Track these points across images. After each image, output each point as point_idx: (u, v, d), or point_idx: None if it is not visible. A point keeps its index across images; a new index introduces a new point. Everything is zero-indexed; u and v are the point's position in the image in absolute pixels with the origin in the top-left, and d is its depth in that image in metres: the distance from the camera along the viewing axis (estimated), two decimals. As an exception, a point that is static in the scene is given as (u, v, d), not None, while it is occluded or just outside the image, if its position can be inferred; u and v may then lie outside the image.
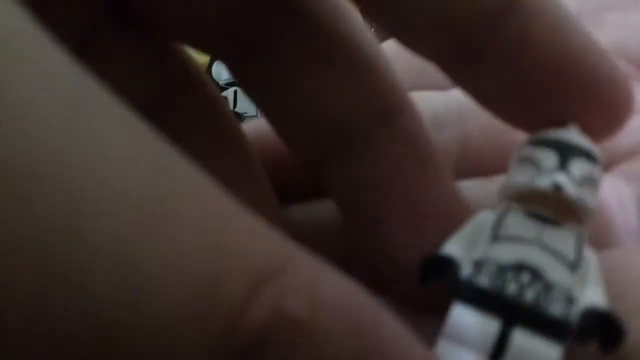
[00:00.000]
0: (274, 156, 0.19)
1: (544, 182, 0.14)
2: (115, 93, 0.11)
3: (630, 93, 0.16)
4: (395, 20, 0.16)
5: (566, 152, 0.15)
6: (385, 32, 0.16)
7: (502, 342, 0.13)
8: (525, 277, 0.13)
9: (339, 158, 0.17)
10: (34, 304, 0.09)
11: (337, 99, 0.17)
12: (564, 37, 0.15)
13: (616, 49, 0.22)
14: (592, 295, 0.14)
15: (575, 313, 0.13)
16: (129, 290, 0.09)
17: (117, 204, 0.10)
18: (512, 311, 0.13)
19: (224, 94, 0.46)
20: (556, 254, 0.14)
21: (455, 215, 0.16)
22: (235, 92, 0.47)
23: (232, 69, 0.18)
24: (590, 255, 0.14)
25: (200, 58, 0.41)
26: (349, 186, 0.17)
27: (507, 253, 0.14)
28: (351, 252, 0.18)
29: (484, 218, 0.15)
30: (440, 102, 0.21)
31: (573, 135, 0.15)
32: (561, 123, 0.15)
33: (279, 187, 0.18)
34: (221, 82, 0.47)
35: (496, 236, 0.14)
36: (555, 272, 0.14)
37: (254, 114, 0.47)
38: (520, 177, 0.15)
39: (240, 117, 0.47)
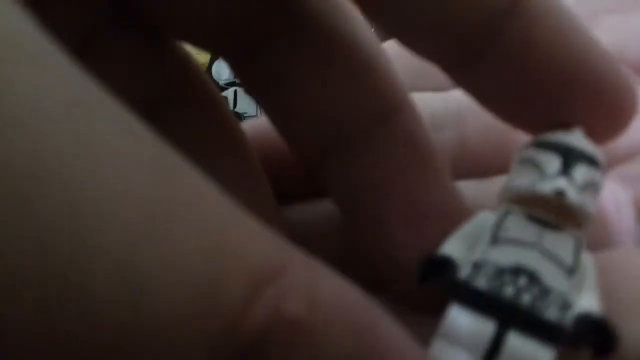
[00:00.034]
0: (273, 155, 0.19)
1: (546, 187, 0.14)
2: (115, 93, 0.11)
3: (634, 95, 0.16)
4: (395, 21, 0.16)
5: (570, 157, 0.14)
6: (386, 32, 0.16)
7: (496, 343, 0.13)
8: (522, 281, 0.14)
9: (339, 158, 0.17)
10: (34, 303, 0.09)
11: (337, 98, 0.17)
12: (567, 38, 0.15)
13: (614, 52, 0.22)
14: (588, 301, 0.14)
15: (570, 318, 0.13)
16: (129, 290, 0.10)
17: (117, 204, 0.10)
18: (508, 314, 0.13)
19: (224, 94, 0.46)
20: (554, 259, 0.14)
21: (455, 215, 0.16)
22: (235, 92, 0.47)
23: (233, 67, 0.18)
24: (587, 261, 0.14)
25: (200, 58, 0.41)
26: (348, 186, 0.17)
27: (506, 256, 0.14)
28: (351, 252, 0.18)
29: (484, 218, 0.15)
30: (438, 103, 0.21)
31: (577, 139, 0.15)
32: (564, 125, 0.15)
33: (278, 186, 0.18)
34: (221, 82, 0.47)
35: (496, 238, 0.14)
36: (553, 277, 0.14)
37: (254, 114, 0.47)
38: (522, 179, 0.15)
39: (240, 117, 0.47)
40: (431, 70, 0.17)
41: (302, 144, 0.18)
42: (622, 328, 0.14)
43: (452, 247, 0.14)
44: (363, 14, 0.17)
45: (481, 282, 0.13)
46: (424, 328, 0.13)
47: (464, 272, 0.14)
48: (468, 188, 0.19)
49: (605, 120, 0.16)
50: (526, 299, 0.13)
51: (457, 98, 0.19)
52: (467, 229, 0.15)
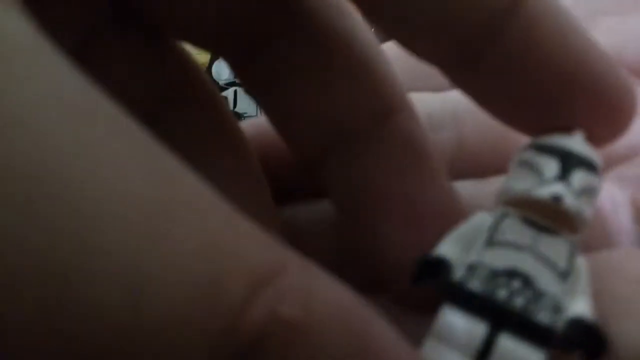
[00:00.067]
0: (271, 155, 0.19)
1: (543, 192, 0.14)
2: (115, 93, 0.11)
3: (633, 96, 0.16)
4: (395, 21, 0.16)
5: (568, 162, 0.14)
6: (386, 33, 0.16)
7: (488, 345, 0.13)
8: (516, 284, 0.14)
9: (337, 158, 0.17)
10: (34, 303, 0.09)
11: (336, 98, 0.17)
12: (565, 39, 0.15)
13: (612, 53, 0.22)
14: (580, 305, 0.14)
15: (562, 322, 0.13)
16: (129, 290, 0.10)
17: (117, 203, 0.10)
18: (500, 316, 0.13)
19: (224, 94, 0.46)
20: (549, 263, 0.14)
21: (452, 216, 0.16)
22: (235, 92, 0.47)
23: (233, 67, 0.18)
24: (581, 265, 0.14)
25: (200, 58, 0.41)
26: (346, 186, 0.17)
27: (500, 258, 0.14)
28: (349, 252, 0.18)
29: (480, 220, 0.15)
30: (436, 104, 0.21)
31: (577, 143, 0.15)
32: (564, 127, 0.15)
33: (277, 186, 0.19)
34: (221, 82, 0.47)
35: (491, 241, 0.14)
36: (546, 280, 0.14)
37: (254, 114, 0.47)
38: (519, 182, 0.15)
39: (240, 117, 0.47)
40: (429, 72, 0.17)
41: (301, 143, 0.18)
42: (617, 329, 0.14)
43: (447, 248, 0.14)
44: (363, 15, 0.17)
45: (475, 284, 0.14)
46: (422, 328, 0.13)
47: (458, 273, 0.14)
48: (466, 188, 0.19)
49: (604, 122, 0.16)
50: (519, 301, 0.13)
51: (455, 98, 0.19)
52: (462, 230, 0.15)
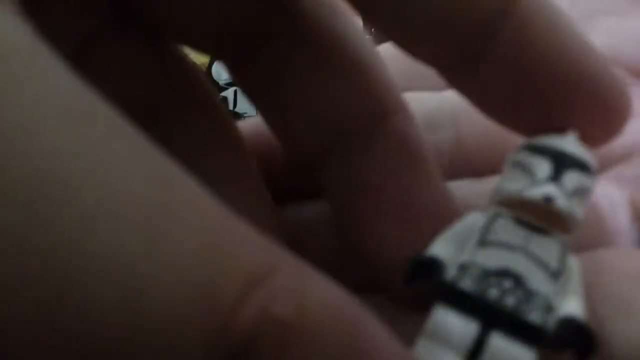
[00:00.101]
0: (268, 155, 0.19)
1: (535, 192, 0.14)
2: (115, 93, 0.11)
3: (627, 97, 0.16)
4: (392, 23, 0.16)
5: (561, 163, 0.15)
6: (384, 34, 0.16)
7: (480, 344, 0.13)
8: (507, 283, 0.14)
9: (333, 159, 0.17)
10: (35, 304, 0.09)
11: (332, 100, 0.17)
12: (559, 40, 0.15)
13: (609, 54, 0.21)
14: (572, 305, 0.14)
15: (553, 321, 0.14)
16: (129, 290, 0.10)
17: (117, 204, 0.10)
18: (491, 315, 0.13)
19: (224, 94, 0.46)
20: (540, 263, 0.14)
21: (447, 216, 0.16)
22: (235, 92, 0.47)
23: (231, 69, 0.18)
24: (573, 265, 0.15)
25: (200, 58, 0.41)
26: (342, 186, 0.18)
27: (492, 258, 0.14)
28: (347, 252, 0.18)
29: (473, 219, 0.15)
30: (434, 103, 0.21)
31: (570, 143, 0.15)
32: (559, 128, 0.15)
33: (273, 186, 0.19)
34: (221, 82, 0.47)
35: (484, 241, 0.14)
36: (538, 280, 0.14)
37: (254, 114, 0.47)
38: (512, 183, 0.15)
39: (240, 117, 0.48)
40: (427, 72, 0.17)
41: (297, 144, 0.18)
42: (613, 328, 0.14)
43: (440, 248, 0.15)
44: (362, 16, 0.17)
45: (467, 284, 0.14)
46: (419, 327, 0.14)
47: (450, 273, 0.14)
48: (463, 188, 0.19)
49: (598, 123, 0.16)
50: (510, 301, 0.14)
51: (454, 98, 0.19)
52: (456, 229, 0.15)
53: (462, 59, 0.16)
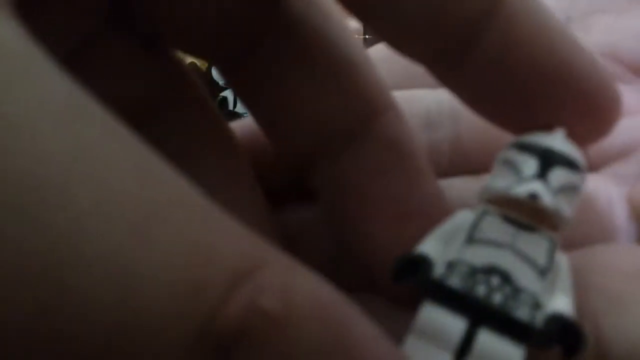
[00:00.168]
0: (261, 156, 0.19)
1: (520, 190, 0.14)
2: (113, 94, 0.11)
3: (616, 95, 0.16)
4: (382, 22, 0.16)
5: (547, 160, 0.15)
6: (374, 34, 0.16)
7: (468, 341, 0.13)
8: (495, 280, 0.14)
9: (323, 159, 0.18)
10: (35, 304, 0.10)
11: (321, 101, 0.17)
12: (546, 38, 0.15)
13: (607, 51, 0.21)
14: (559, 302, 0.14)
15: (540, 318, 0.14)
16: (125, 290, 0.10)
17: (112, 205, 0.10)
18: (479, 312, 0.13)
19: (224, 94, 0.46)
20: (527, 260, 0.14)
21: (438, 215, 0.16)
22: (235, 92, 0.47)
23: (224, 73, 0.19)
24: (562, 262, 0.15)
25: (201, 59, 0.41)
26: (334, 187, 0.18)
27: (479, 256, 0.14)
28: (341, 252, 0.18)
29: (462, 217, 0.15)
30: (433, 101, 0.21)
31: (557, 141, 0.15)
32: (548, 126, 0.15)
33: (266, 186, 0.19)
34: (221, 83, 0.47)
35: (471, 238, 0.14)
36: (525, 277, 0.14)
37: (253, 114, 0.47)
38: (499, 181, 0.15)
39: (240, 117, 0.48)
40: (419, 71, 0.17)
41: (288, 145, 0.18)
42: (609, 325, 0.14)
43: (429, 246, 0.15)
44: (354, 16, 0.17)
45: (454, 281, 0.14)
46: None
47: (438, 270, 0.14)
48: (460, 185, 0.19)
49: (588, 121, 0.16)
50: (498, 298, 0.14)
51: (450, 96, 0.19)
52: (445, 228, 0.15)
53: (449, 58, 0.16)
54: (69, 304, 0.10)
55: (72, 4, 0.16)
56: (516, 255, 0.14)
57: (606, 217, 0.19)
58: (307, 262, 0.11)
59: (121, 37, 0.17)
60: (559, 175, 0.15)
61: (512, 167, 0.15)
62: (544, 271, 0.14)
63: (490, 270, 0.14)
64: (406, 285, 0.14)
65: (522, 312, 0.13)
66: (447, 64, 0.16)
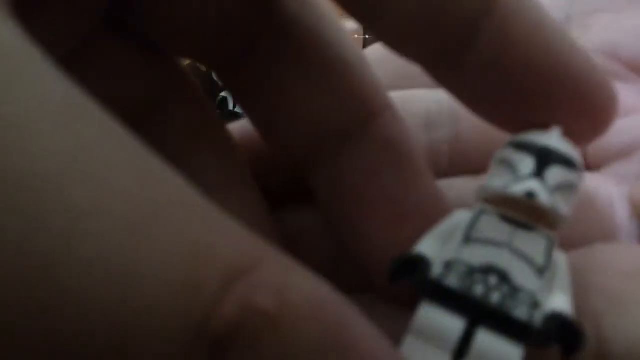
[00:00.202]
0: (257, 156, 0.19)
1: (517, 188, 0.14)
2: (113, 94, 0.11)
3: (613, 94, 0.16)
4: (378, 22, 0.16)
5: (544, 158, 0.15)
6: (372, 34, 0.16)
7: (466, 341, 0.13)
8: (493, 280, 0.14)
9: (321, 161, 0.18)
10: (34, 304, 0.10)
11: (317, 102, 0.17)
12: (541, 38, 0.15)
13: (607, 49, 0.21)
14: (557, 300, 0.14)
15: (539, 317, 0.14)
16: (124, 289, 0.10)
17: (110, 205, 0.10)
18: (477, 312, 0.13)
19: (224, 94, 0.46)
20: (525, 258, 0.14)
21: (436, 215, 0.16)
22: (235, 92, 0.47)
23: (220, 76, 0.19)
24: (560, 260, 0.15)
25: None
26: (331, 188, 0.18)
27: (477, 255, 0.14)
28: (341, 253, 0.18)
29: (459, 217, 0.15)
30: (433, 101, 0.21)
31: (553, 139, 0.15)
32: (544, 125, 0.15)
33: (263, 187, 0.19)
34: (221, 83, 0.47)
35: (468, 238, 0.14)
36: (523, 276, 0.14)
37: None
38: (496, 180, 0.15)
39: (240, 117, 0.48)
40: (416, 71, 0.17)
41: (284, 146, 0.18)
42: (610, 324, 0.14)
43: (426, 246, 0.15)
44: (352, 17, 0.17)
45: (452, 281, 0.14)
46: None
47: (435, 270, 0.14)
48: (460, 185, 0.19)
49: (584, 120, 0.16)
50: (496, 297, 0.14)
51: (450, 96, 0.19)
52: (442, 227, 0.15)
53: (447, 59, 0.16)
54: (69, 304, 0.10)
55: (72, 4, 0.16)
56: (514, 254, 0.14)
57: (607, 216, 0.19)
58: (307, 262, 0.11)
59: (121, 37, 0.17)
60: (555, 174, 0.14)
61: (509, 166, 0.15)
62: (542, 270, 0.14)
63: (488, 270, 0.14)
64: (403, 285, 0.14)
65: (520, 312, 0.13)
66: (444, 64, 0.16)
